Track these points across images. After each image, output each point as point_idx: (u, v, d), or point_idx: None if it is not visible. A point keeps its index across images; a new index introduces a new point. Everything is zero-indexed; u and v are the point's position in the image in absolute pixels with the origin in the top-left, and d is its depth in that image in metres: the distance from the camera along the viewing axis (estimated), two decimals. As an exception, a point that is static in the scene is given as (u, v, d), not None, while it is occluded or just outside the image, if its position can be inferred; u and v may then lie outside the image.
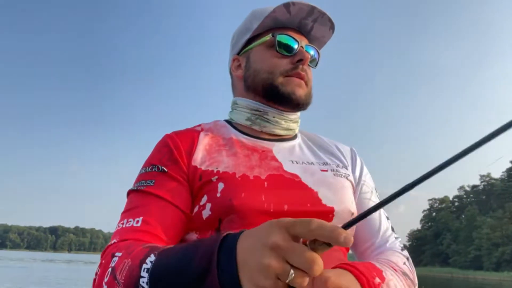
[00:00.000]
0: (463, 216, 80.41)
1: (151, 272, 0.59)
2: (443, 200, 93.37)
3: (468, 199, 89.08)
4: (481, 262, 66.29)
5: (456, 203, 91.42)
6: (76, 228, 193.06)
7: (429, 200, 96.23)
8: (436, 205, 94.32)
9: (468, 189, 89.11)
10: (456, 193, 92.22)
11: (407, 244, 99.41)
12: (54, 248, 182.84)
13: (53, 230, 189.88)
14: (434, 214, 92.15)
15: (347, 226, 0.49)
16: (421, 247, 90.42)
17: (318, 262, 0.46)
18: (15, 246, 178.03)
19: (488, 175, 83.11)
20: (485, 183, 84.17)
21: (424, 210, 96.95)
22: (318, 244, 0.47)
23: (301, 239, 0.48)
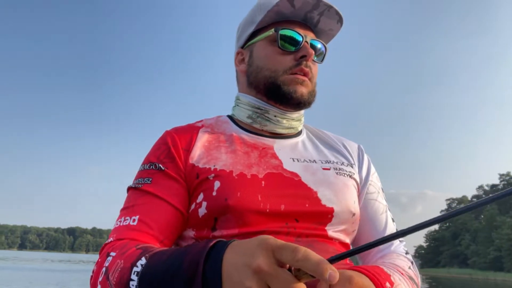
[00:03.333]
0: (482, 216, 78.74)
1: (141, 276, 0.60)
2: (461, 200, 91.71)
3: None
4: (501, 263, 64.78)
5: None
6: (94, 229, 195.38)
7: (447, 200, 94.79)
8: (454, 205, 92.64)
9: (487, 188, 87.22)
10: (475, 192, 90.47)
11: (424, 245, 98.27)
12: (72, 249, 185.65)
13: (71, 231, 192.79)
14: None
15: (335, 259, 0.47)
16: (439, 248, 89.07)
17: None
18: (35, 247, 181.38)
19: (508, 173, 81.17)
20: (505, 182, 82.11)
21: (441, 211, 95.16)
22: (303, 272, 0.46)
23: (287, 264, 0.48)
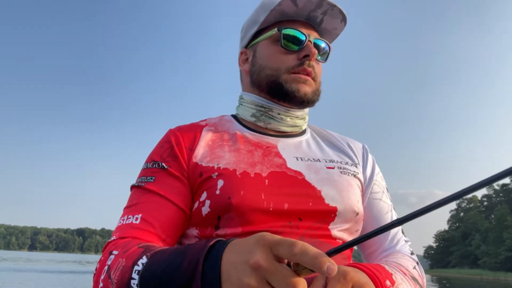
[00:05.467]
0: (492, 216, 77.73)
1: (141, 275, 0.60)
2: (471, 200, 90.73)
3: (498, 198, 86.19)
4: (512, 263, 63.99)
5: (485, 203, 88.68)
6: (103, 230, 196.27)
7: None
8: (464, 205, 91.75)
9: (497, 187, 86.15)
10: (485, 192, 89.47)
11: (433, 245, 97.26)
12: (82, 249, 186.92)
13: (80, 232, 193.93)
14: (462, 214, 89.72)
15: (332, 252, 0.46)
16: (448, 248, 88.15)
17: (300, 286, 0.45)
18: (45, 248, 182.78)
19: (519, 173, 79.97)
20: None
21: (451, 210, 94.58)
22: (302, 267, 0.46)
23: (285, 259, 0.48)
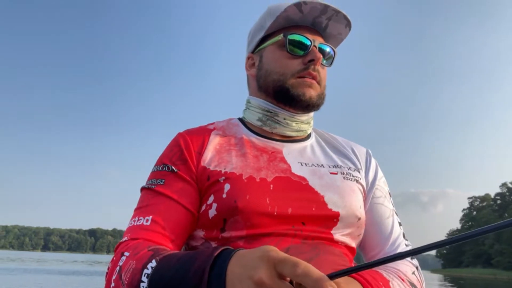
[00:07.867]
0: (506, 214, 76.45)
1: (150, 278, 0.63)
2: (484, 198, 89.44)
3: (511, 197, 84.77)
4: (527, 263, 62.76)
5: (499, 201, 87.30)
6: (114, 230, 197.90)
7: (469, 198, 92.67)
8: (476, 203, 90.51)
9: (511, 186, 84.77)
10: (498, 190, 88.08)
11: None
12: (94, 249, 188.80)
13: (92, 233, 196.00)
14: (474, 213, 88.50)
15: (334, 276, 0.47)
16: (461, 247, 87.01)
17: None
18: (57, 248, 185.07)
19: (533, 171, 78.47)
20: (530, 180, 79.72)
21: (464, 209, 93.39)
22: (304, 286, 0.46)
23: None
